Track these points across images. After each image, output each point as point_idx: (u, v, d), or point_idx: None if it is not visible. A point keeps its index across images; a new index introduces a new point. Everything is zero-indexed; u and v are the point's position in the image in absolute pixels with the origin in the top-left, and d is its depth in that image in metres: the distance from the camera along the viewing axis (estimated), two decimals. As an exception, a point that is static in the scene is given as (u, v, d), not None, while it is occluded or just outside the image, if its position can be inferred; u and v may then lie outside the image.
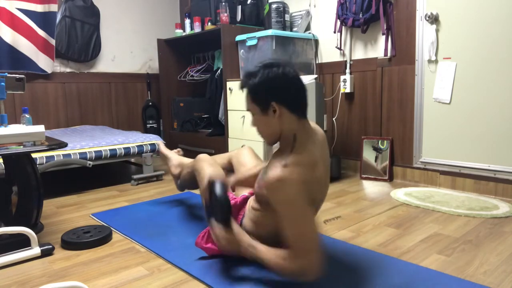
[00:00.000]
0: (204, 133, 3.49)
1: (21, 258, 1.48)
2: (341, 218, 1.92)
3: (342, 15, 2.76)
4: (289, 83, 1.21)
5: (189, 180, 1.89)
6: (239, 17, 3.22)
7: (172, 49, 3.86)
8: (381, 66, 2.72)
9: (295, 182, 1.12)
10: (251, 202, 1.41)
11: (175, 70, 3.90)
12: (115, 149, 2.63)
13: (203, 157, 1.72)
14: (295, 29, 3.17)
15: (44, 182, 1.74)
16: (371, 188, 2.51)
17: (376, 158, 2.76)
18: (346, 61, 2.90)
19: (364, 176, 2.78)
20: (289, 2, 3.21)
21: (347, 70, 2.88)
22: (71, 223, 1.92)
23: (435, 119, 2.47)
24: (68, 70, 3.50)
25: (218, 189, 1.31)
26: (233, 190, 1.71)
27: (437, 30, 2.40)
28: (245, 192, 1.55)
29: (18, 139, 1.53)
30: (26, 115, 1.96)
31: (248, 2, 3.19)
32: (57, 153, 2.39)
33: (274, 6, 3.04)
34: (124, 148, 2.67)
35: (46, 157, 2.35)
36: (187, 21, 3.53)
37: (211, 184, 1.34)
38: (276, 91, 1.20)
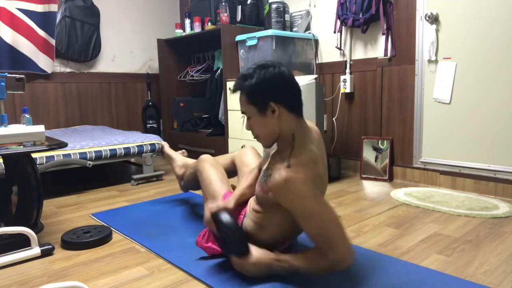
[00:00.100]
0: (204, 133, 3.49)
1: (21, 258, 1.48)
2: (341, 218, 1.92)
3: (342, 15, 2.76)
4: (286, 83, 1.21)
5: (192, 181, 1.90)
6: (239, 17, 3.22)
7: (172, 49, 3.86)
8: (381, 66, 2.72)
9: (302, 180, 1.13)
10: (251, 203, 1.40)
11: (175, 70, 3.90)
12: (115, 149, 2.63)
13: (205, 157, 1.71)
14: (295, 29, 3.17)
15: (44, 182, 1.74)
16: (371, 188, 2.51)
17: (376, 158, 2.76)
18: (346, 61, 2.90)
19: (364, 176, 2.78)
20: (289, 2, 3.21)
21: (347, 70, 2.88)
22: (71, 223, 1.92)
23: (435, 119, 2.47)
24: (68, 70, 3.50)
25: (224, 217, 1.25)
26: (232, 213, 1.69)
27: (437, 30, 2.40)
28: None
29: (18, 139, 1.53)
30: (26, 115, 1.96)
31: (248, 2, 3.19)
32: (57, 153, 2.39)
33: (274, 6, 3.04)
34: (124, 148, 2.67)
35: (46, 157, 2.35)
36: (187, 21, 3.53)
37: (215, 215, 1.29)
38: (273, 91, 1.20)
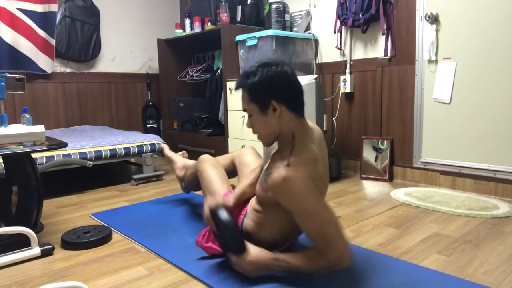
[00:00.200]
0: (204, 133, 3.49)
1: (21, 258, 1.48)
2: (341, 218, 1.92)
3: (342, 15, 2.76)
4: (288, 82, 1.21)
5: (192, 181, 1.90)
6: (239, 17, 3.22)
7: (172, 49, 3.86)
8: (381, 66, 2.72)
9: (302, 179, 1.13)
10: (252, 203, 1.40)
11: (175, 70, 3.90)
12: (115, 149, 2.63)
13: (205, 157, 1.71)
14: (295, 29, 3.17)
15: (44, 182, 1.74)
16: (371, 188, 2.51)
17: (376, 158, 2.76)
18: (346, 61, 2.90)
19: (364, 176, 2.78)
20: (289, 2, 3.21)
21: (347, 70, 2.88)
22: (71, 223, 1.92)
23: (435, 119, 2.47)
24: (68, 70, 3.50)
25: (223, 215, 1.25)
26: (233, 211, 1.70)
27: (437, 30, 2.40)
28: None
29: (18, 139, 1.53)
30: (26, 115, 1.96)
31: (248, 2, 3.19)
32: (57, 153, 2.39)
33: (274, 6, 3.04)
34: (124, 148, 2.67)
35: (46, 157, 2.35)
36: (187, 21, 3.53)
37: (213, 212, 1.29)
38: (275, 90, 1.20)
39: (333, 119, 3.04)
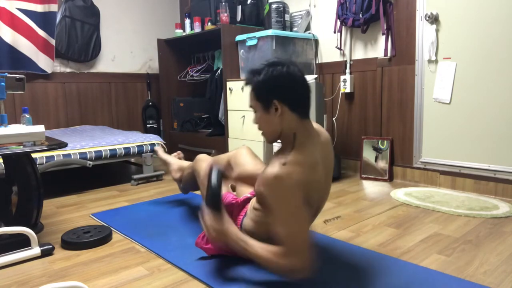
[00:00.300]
0: (204, 133, 3.49)
1: (21, 258, 1.48)
2: (341, 218, 1.92)
3: (342, 15, 2.76)
4: (293, 82, 1.21)
5: (190, 181, 1.90)
6: (239, 17, 3.22)
7: (172, 49, 3.86)
8: (381, 66, 2.72)
9: (291, 181, 1.13)
10: (252, 202, 1.41)
11: (175, 70, 3.90)
12: (115, 149, 2.63)
13: (202, 157, 1.71)
14: (295, 29, 3.17)
15: (44, 182, 1.73)
16: (371, 188, 2.51)
17: (376, 158, 2.76)
18: (346, 61, 2.90)
19: (364, 176, 2.78)
20: (289, 2, 3.21)
21: (347, 70, 2.88)
22: (71, 223, 1.92)
23: (435, 119, 2.47)
24: (68, 70, 3.50)
25: (213, 177, 1.30)
26: (234, 189, 1.70)
27: (437, 30, 2.40)
28: (246, 193, 1.55)
29: (18, 139, 1.53)
30: (26, 115, 1.96)
31: (248, 2, 3.19)
32: (57, 153, 2.39)
33: (274, 6, 3.04)
34: (124, 148, 2.67)
35: (46, 157, 2.35)
36: (187, 21, 3.53)
37: (210, 169, 1.34)
38: (278, 90, 1.21)
39: (333, 119, 3.04)
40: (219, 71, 3.33)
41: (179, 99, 3.79)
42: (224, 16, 3.09)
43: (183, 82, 3.95)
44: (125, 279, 1.33)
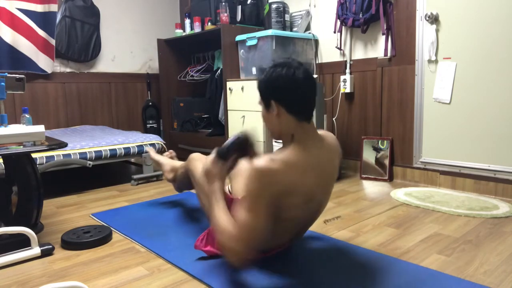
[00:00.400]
0: (204, 133, 3.49)
1: (21, 258, 1.48)
2: (341, 218, 1.92)
3: (342, 15, 2.76)
4: (290, 85, 1.20)
5: (184, 180, 1.87)
6: (239, 17, 3.22)
7: (172, 49, 3.86)
8: (381, 66, 2.72)
9: (268, 177, 1.12)
10: None
11: (175, 70, 3.90)
12: (115, 149, 2.63)
13: (196, 156, 1.70)
14: (295, 29, 3.17)
15: (44, 182, 1.74)
16: (371, 188, 2.51)
17: (376, 158, 2.76)
18: (346, 61, 2.90)
19: (364, 176, 2.78)
20: (289, 2, 3.21)
21: (347, 70, 2.88)
22: (71, 223, 1.92)
23: (435, 119, 2.47)
24: (68, 70, 3.50)
25: (235, 139, 1.34)
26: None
27: (437, 30, 2.40)
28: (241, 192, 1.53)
29: (18, 139, 1.53)
30: (26, 115, 1.96)
31: (248, 2, 3.19)
32: (57, 153, 2.39)
33: (274, 6, 3.04)
34: (124, 148, 2.67)
35: (46, 157, 2.35)
36: (187, 21, 3.53)
37: (221, 148, 1.35)
38: (275, 91, 1.22)
39: (333, 119, 3.03)
40: (219, 71, 3.33)
41: (179, 99, 3.79)
42: (224, 16, 3.09)
43: (183, 82, 3.95)
44: (125, 279, 1.33)
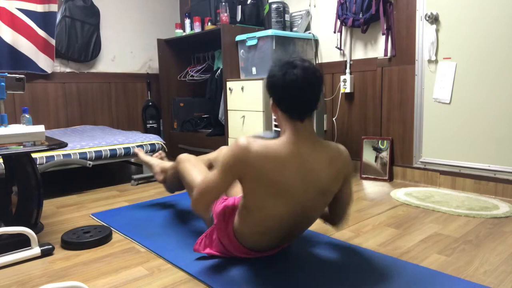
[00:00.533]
0: (204, 133, 3.49)
1: (21, 258, 1.48)
2: (341, 218, 1.92)
3: (342, 15, 2.76)
4: (280, 84, 1.23)
5: (174, 181, 1.85)
6: (239, 17, 3.22)
7: (172, 49, 3.86)
8: (381, 66, 2.72)
9: (243, 153, 1.19)
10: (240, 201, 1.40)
11: (175, 70, 3.90)
12: (115, 149, 2.63)
13: (184, 157, 1.68)
14: (295, 29, 3.17)
15: (44, 182, 1.74)
16: (371, 188, 2.51)
17: (376, 158, 2.76)
18: (346, 61, 2.90)
19: (364, 176, 2.78)
20: (289, 2, 3.21)
21: (347, 70, 2.88)
22: (71, 223, 1.92)
23: (435, 119, 2.47)
24: (68, 70, 3.50)
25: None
26: (230, 216, 1.68)
27: (437, 30, 2.40)
28: (236, 194, 1.53)
29: (18, 139, 1.53)
30: (26, 115, 1.96)
31: (248, 2, 3.19)
32: (57, 153, 2.39)
33: (274, 6, 3.04)
34: (124, 148, 2.67)
35: (46, 157, 2.35)
36: (187, 21, 3.53)
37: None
38: (272, 90, 1.27)
39: (333, 119, 3.04)
40: (219, 71, 3.33)
41: (179, 99, 3.79)
42: (224, 16, 3.09)
43: (183, 82, 3.95)
44: (125, 279, 1.33)
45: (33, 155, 2.19)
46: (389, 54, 2.65)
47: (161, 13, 4.07)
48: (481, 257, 1.45)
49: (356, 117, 2.91)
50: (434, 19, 2.40)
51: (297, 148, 1.23)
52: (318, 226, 1.80)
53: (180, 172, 1.66)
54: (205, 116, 3.85)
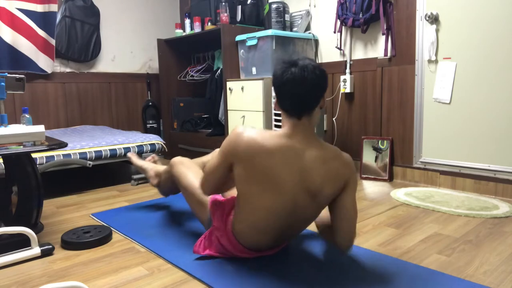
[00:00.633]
0: (204, 133, 3.49)
1: (21, 258, 1.48)
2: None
3: (342, 15, 2.76)
4: (278, 82, 1.27)
5: (169, 185, 1.85)
6: (239, 17, 3.22)
7: (172, 49, 3.86)
8: (381, 66, 2.72)
9: (235, 140, 1.27)
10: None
11: (175, 70, 3.90)
12: (115, 149, 2.63)
13: (178, 160, 1.68)
14: (295, 29, 3.17)
15: (44, 182, 1.73)
16: (371, 188, 2.51)
17: (376, 158, 2.76)
18: (346, 61, 2.90)
19: (364, 176, 2.78)
20: (289, 2, 3.21)
21: (347, 70, 2.88)
22: (71, 223, 1.92)
23: (435, 119, 2.47)
24: (68, 70, 3.50)
25: None
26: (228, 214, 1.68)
27: (437, 30, 2.40)
28: (233, 194, 1.53)
29: (18, 139, 1.53)
30: (26, 115, 1.96)
31: (248, 2, 3.19)
32: (57, 153, 2.39)
33: (274, 6, 3.04)
34: (124, 148, 2.67)
35: (46, 157, 2.35)
36: (187, 21, 3.53)
37: None
38: (273, 87, 1.31)
39: (333, 119, 3.04)
40: (219, 71, 3.33)
41: (179, 99, 3.79)
42: (224, 16, 3.09)
43: (183, 82, 3.95)
44: (125, 279, 1.33)
45: (33, 155, 2.19)
46: (389, 54, 2.65)
47: (161, 13, 4.07)
48: (481, 257, 1.45)
49: (356, 117, 2.91)
50: (434, 19, 2.40)
51: (290, 141, 1.26)
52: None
53: (175, 175, 1.65)
54: (205, 116, 3.85)
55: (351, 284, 1.25)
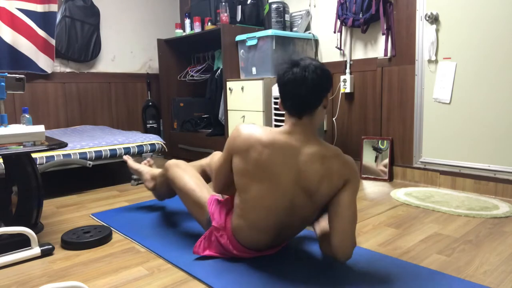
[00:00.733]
0: (204, 133, 3.49)
1: (21, 258, 1.48)
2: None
3: (342, 15, 2.76)
4: (280, 82, 1.29)
5: (164, 188, 1.84)
6: (239, 17, 3.22)
7: (172, 49, 3.86)
8: (381, 66, 2.72)
9: (237, 135, 1.33)
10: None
11: (175, 70, 3.90)
12: (115, 149, 2.63)
13: (173, 163, 1.68)
14: (295, 29, 3.17)
15: (44, 182, 1.73)
16: (371, 188, 2.51)
17: (376, 158, 2.76)
18: (346, 61, 2.90)
19: (364, 176, 2.78)
20: (289, 2, 3.21)
21: (347, 70, 2.88)
22: (71, 223, 1.92)
23: (435, 119, 2.47)
24: (68, 70, 3.50)
25: None
26: (227, 214, 1.67)
27: (437, 30, 2.40)
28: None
29: (18, 139, 1.53)
30: (26, 115, 1.96)
31: (248, 2, 3.19)
32: (57, 153, 2.39)
33: (274, 6, 3.04)
34: (124, 148, 2.67)
35: (46, 157, 2.35)
36: (187, 21, 3.53)
37: None
38: (277, 86, 1.32)
39: (333, 119, 3.04)
40: (219, 71, 3.33)
41: (179, 99, 3.79)
42: (224, 16, 3.09)
43: (183, 82, 3.95)
44: (125, 279, 1.33)
45: (33, 155, 2.19)
46: (389, 54, 2.65)
47: (161, 13, 4.07)
48: (481, 257, 1.45)
49: (356, 117, 2.91)
50: (434, 19, 2.40)
51: (288, 138, 1.27)
52: (318, 226, 1.80)
53: (170, 178, 1.65)
54: (205, 116, 3.85)
55: (351, 284, 1.25)
